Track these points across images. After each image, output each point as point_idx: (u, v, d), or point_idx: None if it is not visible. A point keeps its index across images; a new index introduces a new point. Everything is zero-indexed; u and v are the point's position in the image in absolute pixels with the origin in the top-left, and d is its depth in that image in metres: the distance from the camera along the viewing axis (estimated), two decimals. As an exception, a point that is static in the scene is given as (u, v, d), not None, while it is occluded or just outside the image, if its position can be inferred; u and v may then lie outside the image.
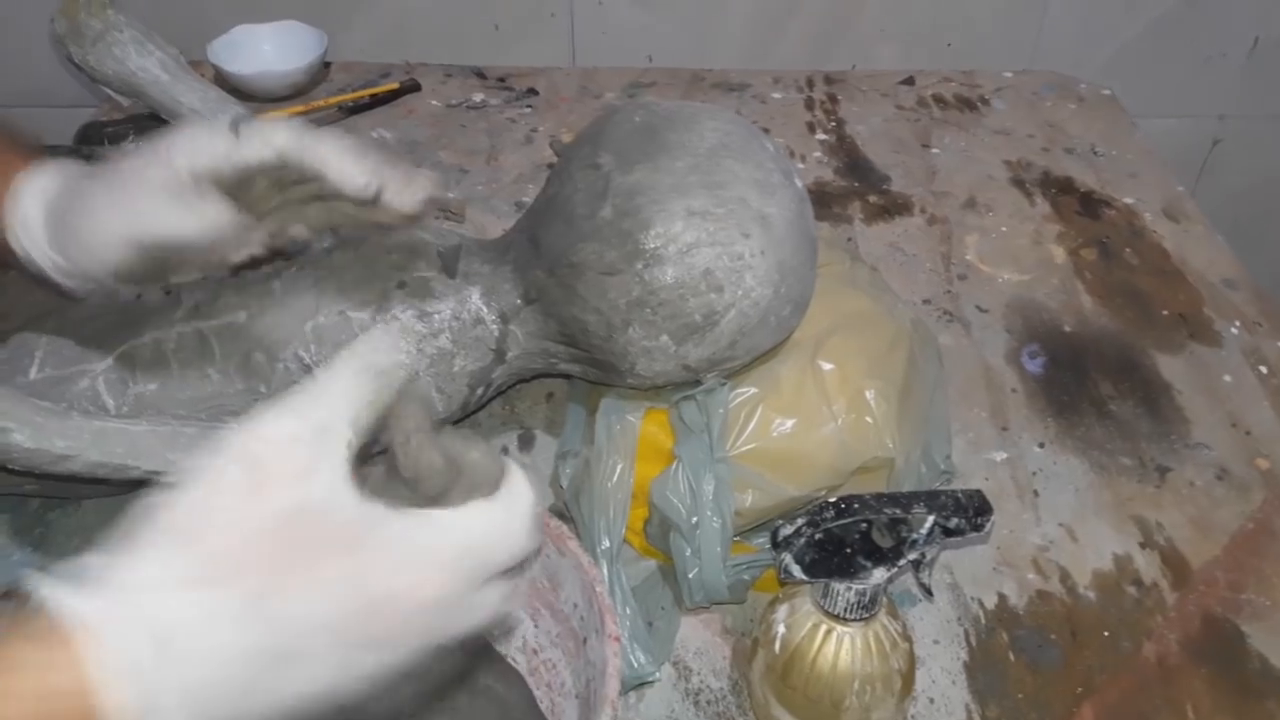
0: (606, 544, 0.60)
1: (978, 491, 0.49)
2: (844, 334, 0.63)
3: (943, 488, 0.50)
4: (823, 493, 0.60)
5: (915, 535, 0.48)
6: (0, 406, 0.52)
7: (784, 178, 0.59)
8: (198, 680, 0.31)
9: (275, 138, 0.48)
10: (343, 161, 0.48)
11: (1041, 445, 0.74)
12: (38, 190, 0.50)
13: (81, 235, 0.48)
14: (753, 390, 0.61)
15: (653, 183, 0.57)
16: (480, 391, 0.66)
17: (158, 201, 0.47)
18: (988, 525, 0.48)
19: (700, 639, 0.61)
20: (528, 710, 0.52)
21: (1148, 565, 0.66)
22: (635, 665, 0.57)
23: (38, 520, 0.66)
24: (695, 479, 0.59)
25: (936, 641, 0.61)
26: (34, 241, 0.50)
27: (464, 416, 0.68)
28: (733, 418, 0.60)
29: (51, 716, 0.30)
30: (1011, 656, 0.61)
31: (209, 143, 0.47)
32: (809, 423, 0.60)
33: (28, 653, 0.30)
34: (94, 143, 0.91)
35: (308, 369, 0.64)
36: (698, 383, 0.61)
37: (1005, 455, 0.73)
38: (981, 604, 0.64)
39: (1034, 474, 0.72)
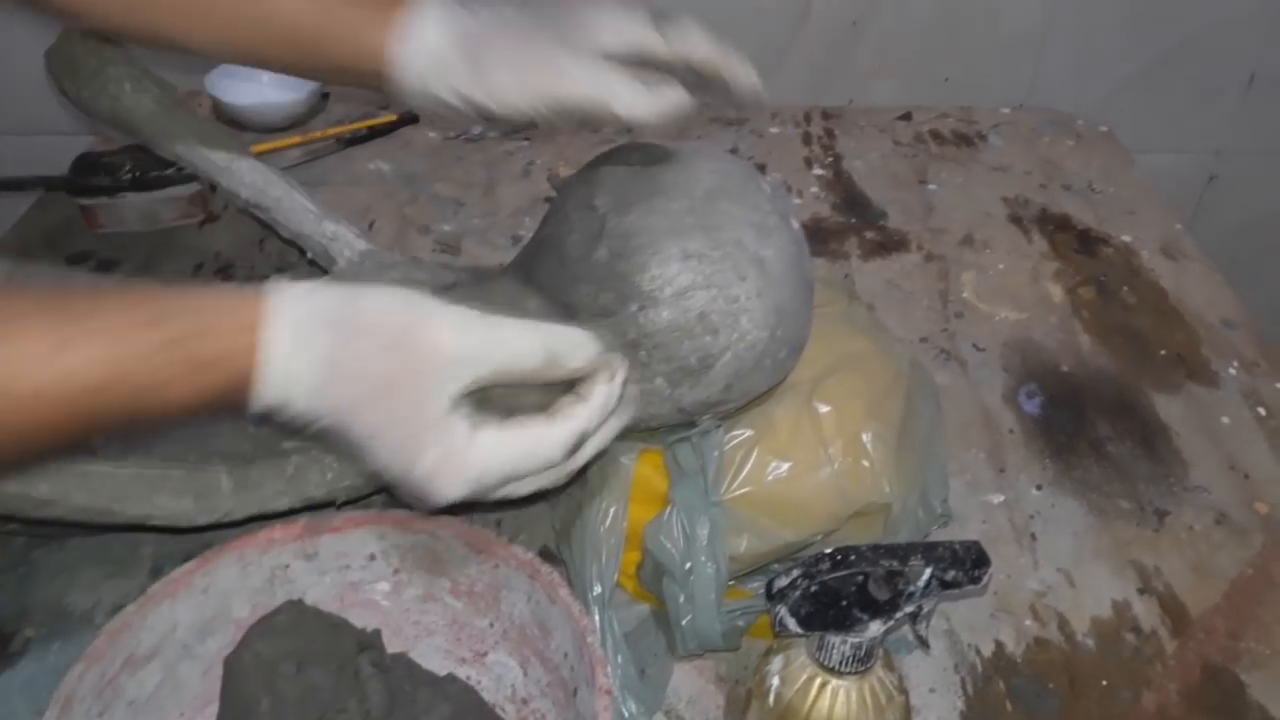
0: (599, 589, 0.59)
1: (975, 543, 0.48)
2: (841, 375, 0.62)
3: (940, 539, 0.49)
4: (819, 537, 0.60)
5: (912, 588, 0.47)
6: None
7: (780, 220, 0.58)
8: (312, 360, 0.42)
9: (698, 48, 0.53)
10: (744, 71, 0.54)
11: (1039, 487, 0.73)
12: (440, 29, 0.53)
13: (494, 80, 0.52)
14: (748, 433, 0.60)
15: (648, 225, 0.56)
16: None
17: (599, 76, 0.51)
18: (985, 578, 0.48)
19: (693, 687, 0.60)
20: (516, 761, 0.51)
21: (1147, 612, 0.65)
22: (626, 715, 0.56)
23: (22, 559, 0.65)
24: (689, 523, 0.58)
25: (933, 690, 0.60)
26: (443, 74, 0.53)
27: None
28: (728, 460, 0.60)
29: (219, 338, 0.41)
30: (1009, 706, 0.60)
31: (634, 29, 0.53)
32: (805, 466, 0.59)
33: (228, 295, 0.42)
34: (91, 172, 0.91)
35: None
36: (692, 424, 0.60)
37: (1003, 498, 0.72)
38: (979, 651, 0.63)
39: (1031, 517, 0.71)
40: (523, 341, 0.44)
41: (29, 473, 0.51)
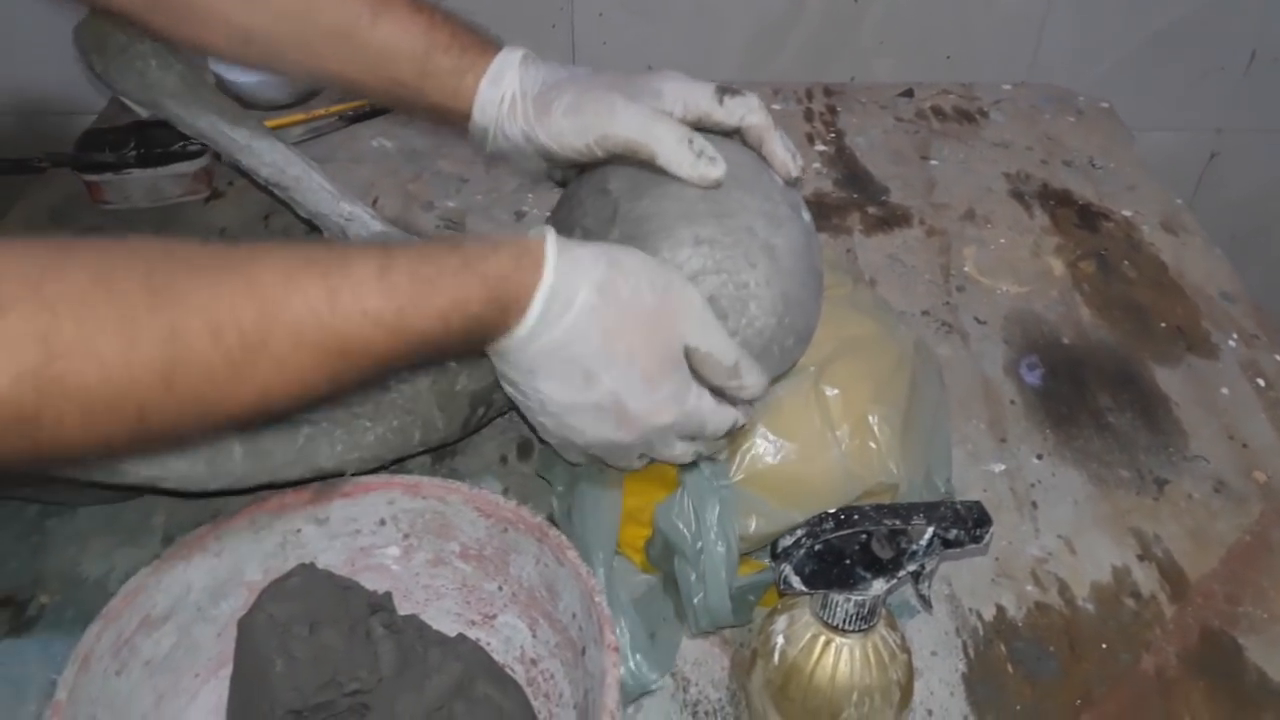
0: (601, 555, 0.59)
1: (977, 503, 0.49)
2: (847, 358, 0.62)
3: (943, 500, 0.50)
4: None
5: (914, 547, 0.48)
6: None
7: (792, 210, 0.59)
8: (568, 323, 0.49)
9: (751, 115, 0.58)
10: (782, 149, 0.60)
11: (1040, 457, 0.74)
12: (520, 78, 0.60)
13: (555, 122, 0.58)
14: (757, 416, 0.61)
15: (661, 209, 0.56)
16: (481, 411, 0.66)
17: (648, 121, 0.56)
18: (986, 537, 0.48)
19: (699, 650, 0.61)
20: (526, 720, 0.52)
21: (1146, 578, 0.66)
22: (638, 674, 0.57)
23: (35, 527, 0.66)
24: (699, 504, 0.58)
25: (935, 653, 0.61)
26: (515, 117, 0.59)
27: (464, 435, 0.68)
28: (736, 443, 0.60)
29: (500, 282, 0.48)
30: (1010, 668, 0.61)
31: (698, 97, 0.58)
32: (813, 448, 0.60)
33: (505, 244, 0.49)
34: (95, 149, 0.91)
35: None
36: None
37: (1004, 467, 0.73)
38: (980, 615, 0.64)
39: (1032, 485, 0.72)
40: (730, 345, 0.53)
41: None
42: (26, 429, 0.37)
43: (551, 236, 0.50)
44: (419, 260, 0.46)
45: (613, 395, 0.51)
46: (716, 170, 0.56)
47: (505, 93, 0.60)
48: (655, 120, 0.56)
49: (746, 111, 0.59)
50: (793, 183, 0.61)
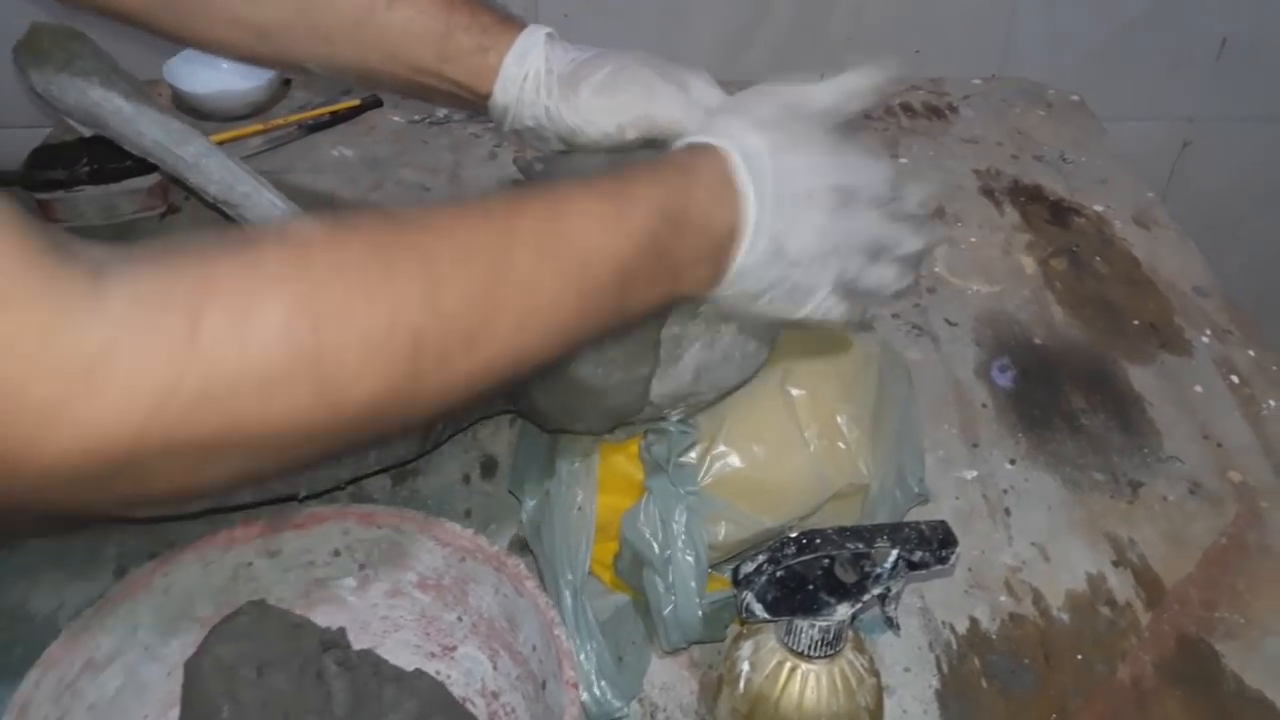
0: (570, 576, 0.58)
1: (942, 523, 0.48)
2: (812, 360, 0.62)
3: (907, 520, 0.49)
4: (796, 521, 0.59)
5: (879, 569, 0.47)
6: None
7: None
8: (770, 177, 0.48)
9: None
10: None
11: (1013, 462, 0.73)
12: (545, 55, 0.58)
13: (584, 101, 0.57)
14: (722, 419, 0.59)
15: None
16: (440, 427, 0.64)
17: (683, 99, 0.56)
18: (952, 558, 0.47)
19: (667, 673, 0.59)
20: (487, 755, 0.50)
21: (1121, 584, 0.65)
22: (603, 702, 0.55)
23: (-17, 563, 0.64)
24: (666, 511, 0.57)
25: (907, 669, 0.60)
26: (539, 95, 0.58)
27: (423, 453, 0.66)
28: (702, 449, 0.59)
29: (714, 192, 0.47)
30: (984, 683, 0.60)
31: (717, 98, 0.57)
32: (781, 450, 0.59)
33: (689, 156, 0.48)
34: (47, 166, 0.89)
35: None
36: (663, 419, 0.60)
37: (976, 473, 0.72)
38: (953, 629, 0.62)
39: (1005, 492, 0.71)
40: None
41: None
42: (313, 375, 0.35)
43: (730, 156, 0.48)
44: (648, 204, 0.46)
45: (839, 175, 0.49)
46: None
47: (529, 70, 0.58)
48: (693, 109, 0.55)
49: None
50: None
